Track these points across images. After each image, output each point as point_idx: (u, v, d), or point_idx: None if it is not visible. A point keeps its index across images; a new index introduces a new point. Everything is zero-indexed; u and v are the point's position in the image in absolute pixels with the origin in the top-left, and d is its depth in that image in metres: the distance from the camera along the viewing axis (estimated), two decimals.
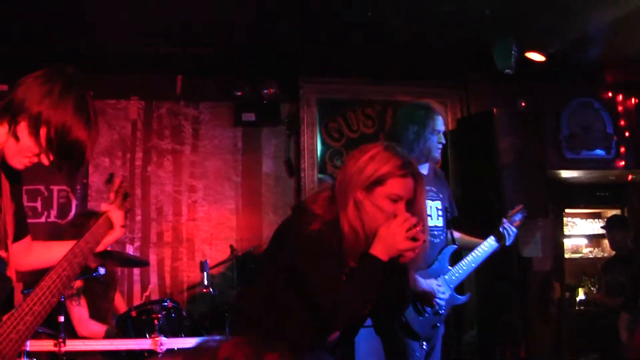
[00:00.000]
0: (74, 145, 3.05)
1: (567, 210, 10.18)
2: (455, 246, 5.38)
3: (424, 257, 4.68)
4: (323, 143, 8.64)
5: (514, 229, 5.50)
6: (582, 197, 10.03)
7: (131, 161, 8.28)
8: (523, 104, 8.37)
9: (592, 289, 9.89)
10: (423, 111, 5.27)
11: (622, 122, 8.92)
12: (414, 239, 3.27)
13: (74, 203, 8.01)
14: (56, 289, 3.03)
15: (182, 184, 8.39)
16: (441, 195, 5.44)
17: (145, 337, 5.81)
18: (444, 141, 5.31)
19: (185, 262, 8.25)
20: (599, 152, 8.83)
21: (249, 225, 8.46)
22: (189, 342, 5.99)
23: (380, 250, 3.29)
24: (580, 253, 10.83)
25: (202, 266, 7.19)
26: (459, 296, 5.34)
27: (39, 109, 2.98)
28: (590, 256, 10.75)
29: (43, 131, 2.98)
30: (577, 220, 10.86)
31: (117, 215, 3.57)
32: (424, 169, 5.27)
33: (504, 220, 5.52)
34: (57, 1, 6.11)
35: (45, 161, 3.05)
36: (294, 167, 8.60)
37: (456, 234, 5.58)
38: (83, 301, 6.07)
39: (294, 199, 8.56)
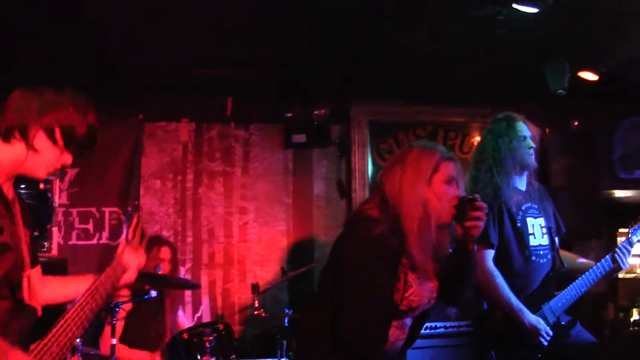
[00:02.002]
0: (86, 135, 3.21)
1: (620, 230, 10.02)
2: (564, 269, 5.10)
3: (532, 278, 4.82)
4: (374, 164, 8.61)
5: (625, 252, 5.13)
6: (636, 217, 9.87)
7: (182, 183, 8.32)
8: (576, 123, 8.29)
9: None
10: (504, 123, 5.09)
11: None
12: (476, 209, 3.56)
13: (125, 225, 8.04)
14: (80, 321, 3.12)
15: (233, 206, 8.41)
16: (544, 212, 5.19)
17: None
18: (533, 145, 5.06)
19: (236, 284, 8.27)
20: None
21: (300, 247, 8.45)
22: None
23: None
24: (634, 273, 10.62)
25: (254, 288, 7.19)
26: (566, 324, 5.01)
27: (48, 116, 3.12)
28: None
29: (57, 135, 3.13)
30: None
31: (131, 258, 3.59)
32: (522, 184, 5.12)
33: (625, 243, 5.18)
34: (108, 24, 6.16)
35: (69, 160, 3.22)
36: (345, 188, 8.58)
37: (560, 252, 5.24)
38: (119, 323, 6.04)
39: (345, 220, 8.52)
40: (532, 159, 5.06)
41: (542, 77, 6.90)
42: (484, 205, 3.59)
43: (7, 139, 3.10)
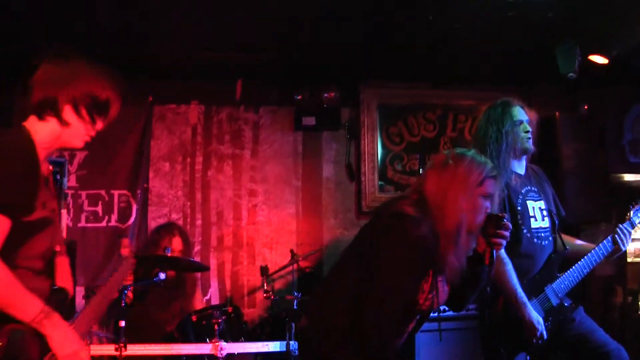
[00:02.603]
0: (107, 102, 3.37)
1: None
2: (566, 251, 5.09)
3: (535, 260, 4.86)
4: (384, 147, 8.61)
5: (627, 232, 5.13)
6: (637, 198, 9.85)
7: (191, 166, 8.32)
8: (586, 107, 8.25)
9: None
10: (500, 108, 5.10)
11: None
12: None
13: (134, 207, 8.06)
14: (102, 308, 3.51)
15: (242, 189, 8.41)
16: (543, 195, 5.20)
17: (206, 342, 5.82)
18: (529, 129, 5.06)
19: (245, 267, 8.28)
20: None
21: (309, 229, 8.46)
22: (249, 347, 5.99)
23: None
24: None
25: (262, 270, 7.20)
26: (569, 306, 5.01)
27: (72, 90, 3.28)
28: None
29: (82, 106, 3.29)
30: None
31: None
32: (520, 168, 5.14)
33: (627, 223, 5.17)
34: (119, 6, 6.14)
35: (100, 126, 3.41)
36: (354, 171, 8.58)
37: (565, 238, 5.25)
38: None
39: (355, 203, 8.55)
40: (529, 143, 5.07)
41: (553, 61, 6.87)
42: (510, 225, 3.77)
43: (41, 116, 3.24)
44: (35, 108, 3.24)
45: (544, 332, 4.75)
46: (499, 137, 4.98)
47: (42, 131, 3.24)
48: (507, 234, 3.75)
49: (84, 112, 3.27)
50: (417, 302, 3.69)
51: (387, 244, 3.60)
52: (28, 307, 3.06)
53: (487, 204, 3.75)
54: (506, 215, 3.82)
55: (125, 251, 4.12)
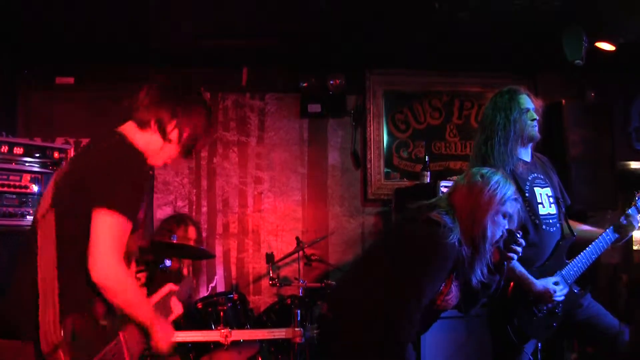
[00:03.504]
0: (197, 139, 3.58)
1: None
2: (574, 238, 5.07)
3: (544, 247, 4.94)
4: (389, 134, 8.60)
5: (635, 219, 5.09)
6: None
7: (197, 153, 8.26)
8: (592, 94, 8.23)
9: None
10: (506, 95, 5.08)
11: None
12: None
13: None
14: None
15: (248, 176, 8.41)
16: (550, 183, 5.18)
17: (212, 329, 5.82)
18: (536, 117, 5.04)
19: (250, 254, 8.29)
20: None
21: (314, 216, 8.47)
22: (255, 334, 6.00)
23: None
24: None
25: (268, 258, 7.20)
26: (578, 292, 4.99)
27: (184, 118, 3.54)
28: None
29: (185, 135, 3.54)
30: None
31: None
32: (527, 156, 5.12)
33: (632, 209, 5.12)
34: None
35: (176, 155, 3.61)
36: (360, 158, 8.57)
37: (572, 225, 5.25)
38: None
39: (360, 190, 8.55)
40: (535, 130, 5.04)
41: (560, 48, 6.85)
42: (523, 242, 4.26)
43: (143, 127, 3.45)
44: (140, 119, 3.45)
45: (556, 288, 4.80)
46: (506, 124, 4.97)
47: (141, 140, 3.41)
48: (519, 249, 4.22)
49: (185, 140, 3.51)
50: (435, 303, 4.13)
51: (421, 248, 4.03)
52: (147, 307, 3.24)
53: (506, 221, 4.15)
54: (520, 232, 4.25)
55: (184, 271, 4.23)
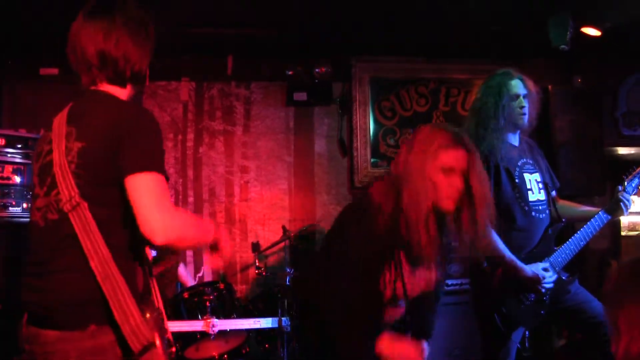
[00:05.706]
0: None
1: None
2: (562, 223, 5.07)
3: (533, 233, 4.91)
4: (376, 122, 8.57)
5: (629, 199, 5.13)
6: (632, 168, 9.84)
7: (183, 142, 8.29)
8: (579, 80, 8.22)
9: None
10: (498, 78, 5.03)
11: None
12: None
13: None
14: None
15: (234, 165, 8.39)
16: (538, 168, 5.16)
17: (198, 319, 5.82)
18: (525, 104, 4.98)
19: (238, 243, 8.27)
20: None
21: (301, 205, 8.45)
22: (241, 324, 5.99)
23: None
24: (637, 231, 10.61)
25: (254, 247, 7.19)
26: (566, 279, 4.97)
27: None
28: None
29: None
30: (634, 197, 10.64)
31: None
32: (515, 140, 5.10)
33: (620, 189, 5.15)
34: None
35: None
36: (346, 146, 8.55)
37: (561, 202, 5.29)
38: None
39: (347, 178, 8.53)
40: (523, 119, 5.01)
41: (545, 33, 6.83)
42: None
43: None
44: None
45: (545, 274, 4.82)
46: (496, 110, 4.93)
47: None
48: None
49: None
50: (379, 291, 3.55)
51: (351, 238, 3.52)
52: (208, 227, 3.18)
53: (449, 179, 3.46)
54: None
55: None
